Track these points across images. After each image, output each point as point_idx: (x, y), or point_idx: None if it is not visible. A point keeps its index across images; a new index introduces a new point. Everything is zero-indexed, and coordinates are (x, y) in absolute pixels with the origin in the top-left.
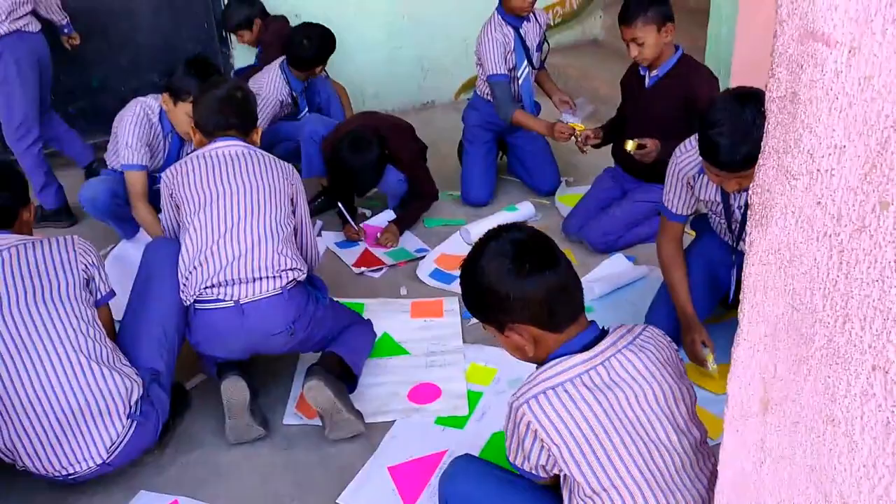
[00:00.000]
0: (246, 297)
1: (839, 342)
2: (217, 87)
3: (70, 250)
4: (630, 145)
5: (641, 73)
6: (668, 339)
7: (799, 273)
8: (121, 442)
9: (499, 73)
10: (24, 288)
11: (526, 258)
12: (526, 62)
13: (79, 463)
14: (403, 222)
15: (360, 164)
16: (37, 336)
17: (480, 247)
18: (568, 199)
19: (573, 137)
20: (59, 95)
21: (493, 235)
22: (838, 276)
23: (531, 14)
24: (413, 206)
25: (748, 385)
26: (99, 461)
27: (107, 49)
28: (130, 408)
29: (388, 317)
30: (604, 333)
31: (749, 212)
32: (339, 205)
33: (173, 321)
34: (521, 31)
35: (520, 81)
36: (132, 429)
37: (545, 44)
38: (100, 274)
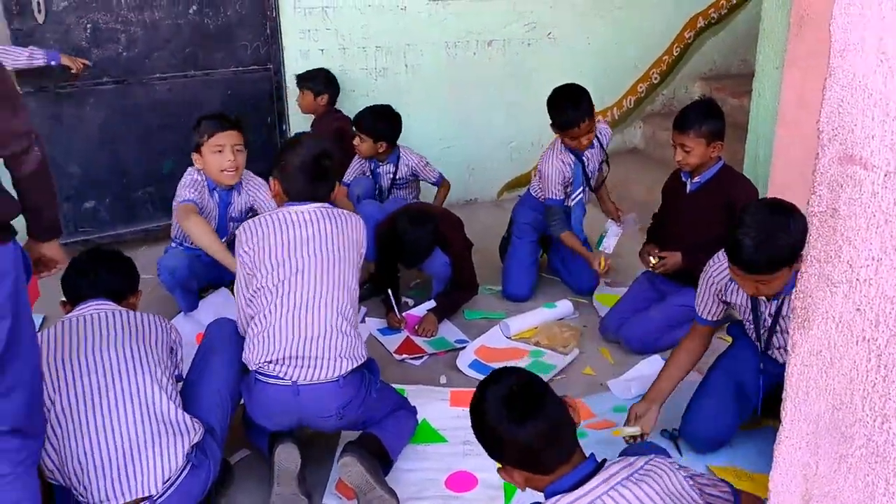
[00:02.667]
0: (304, 379)
1: (878, 441)
2: (303, 148)
3: (163, 322)
4: (652, 261)
5: (683, 178)
6: (677, 467)
7: (839, 374)
8: (175, 479)
9: (555, 198)
10: (118, 331)
11: (514, 406)
12: (583, 188)
13: (134, 491)
14: (443, 311)
15: (414, 235)
16: (117, 371)
17: (483, 386)
18: (606, 298)
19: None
20: (131, 179)
21: (493, 378)
22: (877, 378)
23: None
24: (454, 296)
25: (790, 482)
26: (154, 491)
27: (179, 139)
28: (191, 447)
29: (427, 404)
30: (599, 467)
31: (792, 315)
32: (389, 291)
33: (230, 392)
34: (584, 158)
35: (572, 203)
36: (187, 469)
37: (605, 164)
38: (181, 352)
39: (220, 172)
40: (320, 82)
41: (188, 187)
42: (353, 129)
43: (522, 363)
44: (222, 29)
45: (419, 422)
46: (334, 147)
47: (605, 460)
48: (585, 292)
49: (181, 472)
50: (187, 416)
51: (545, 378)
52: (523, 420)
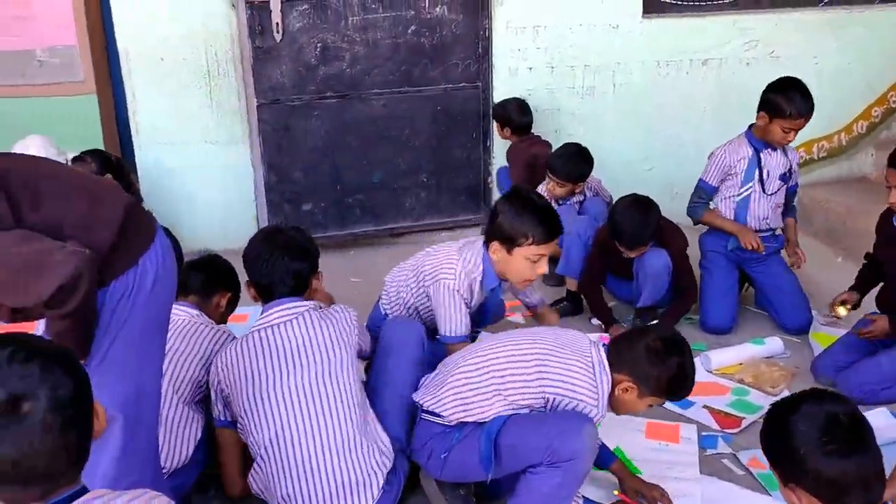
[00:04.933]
0: None
1: None
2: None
3: (351, 322)
4: (841, 312)
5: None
6: None
7: None
8: None
9: (709, 182)
10: (314, 360)
11: (838, 435)
12: (755, 184)
13: None
14: (668, 320)
15: (638, 214)
16: (322, 407)
17: (797, 401)
18: (823, 338)
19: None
20: (344, 186)
21: (811, 395)
22: None
23: (781, 146)
24: (676, 307)
25: None
26: None
27: (389, 150)
28: (383, 482)
29: (622, 433)
30: None
31: None
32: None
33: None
34: (762, 155)
35: (737, 199)
36: (378, 498)
37: (794, 185)
38: (362, 338)
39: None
40: (501, 115)
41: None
42: (548, 173)
43: (724, 400)
44: (437, 48)
45: (613, 448)
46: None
47: None
48: (797, 331)
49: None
50: (380, 452)
51: (748, 419)
52: (848, 454)
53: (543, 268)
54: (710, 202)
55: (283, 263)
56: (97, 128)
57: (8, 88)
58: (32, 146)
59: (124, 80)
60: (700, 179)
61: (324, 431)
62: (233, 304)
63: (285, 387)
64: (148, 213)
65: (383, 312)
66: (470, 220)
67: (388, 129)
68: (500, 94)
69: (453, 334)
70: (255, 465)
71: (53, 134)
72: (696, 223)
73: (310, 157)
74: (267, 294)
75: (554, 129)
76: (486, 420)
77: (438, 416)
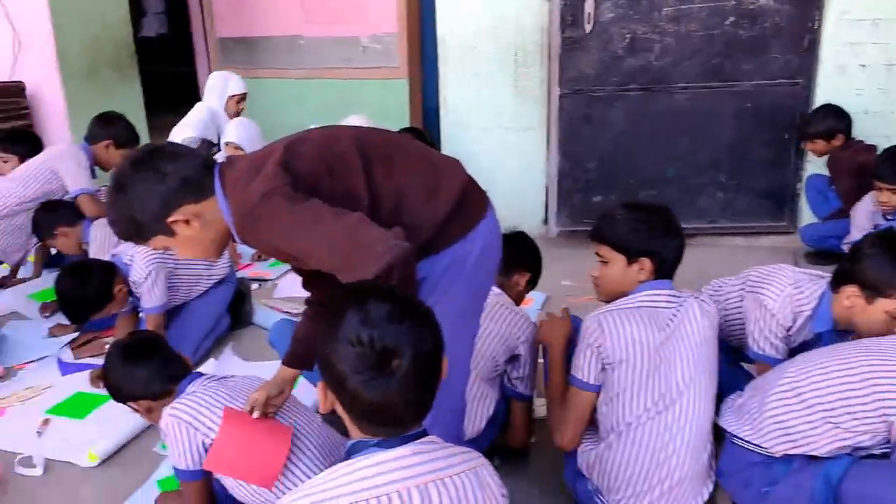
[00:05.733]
0: None
1: None
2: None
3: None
4: None
5: None
6: None
7: None
8: None
9: None
10: (699, 349)
11: None
12: None
13: None
14: None
15: None
16: (697, 396)
17: None
18: None
19: None
20: (637, 180)
21: None
22: None
23: None
24: None
25: None
26: None
27: (688, 146)
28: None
29: None
30: None
31: None
32: None
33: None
34: None
35: None
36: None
37: None
38: None
39: None
40: (819, 124)
41: None
42: (877, 181)
43: None
44: (755, 40)
45: None
46: None
47: None
48: None
49: None
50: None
51: None
52: None
53: None
54: None
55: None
56: (405, 110)
57: (335, 71)
58: (355, 124)
59: (439, 65)
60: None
61: (694, 422)
62: (531, 284)
63: (677, 370)
64: (482, 190)
65: None
66: (770, 228)
67: (690, 124)
68: (823, 92)
69: (760, 353)
70: (603, 444)
71: (367, 114)
72: None
73: (605, 148)
74: (661, 272)
75: (885, 135)
76: (820, 454)
77: (758, 445)
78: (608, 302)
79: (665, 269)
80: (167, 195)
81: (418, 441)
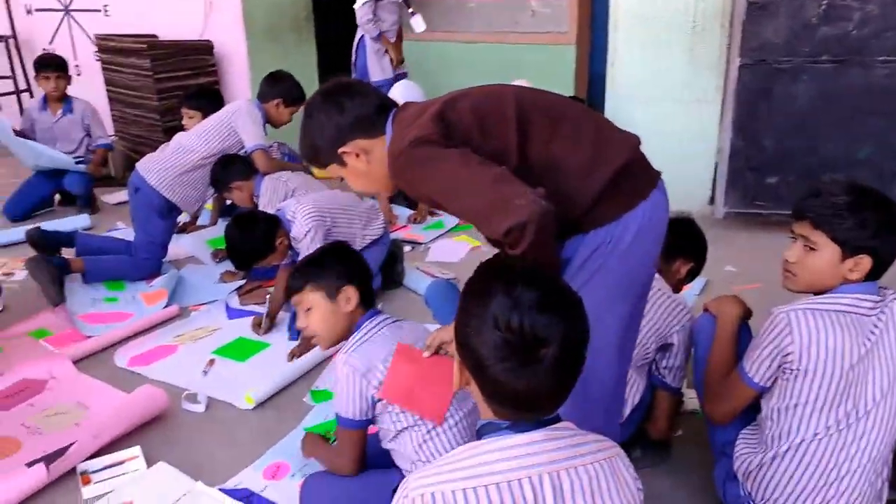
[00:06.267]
0: None
1: None
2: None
3: None
4: None
5: None
6: None
7: None
8: None
9: None
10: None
11: None
12: None
13: None
14: None
15: None
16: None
17: None
18: None
19: None
20: (820, 160)
21: None
22: None
23: None
24: None
25: None
26: None
27: (885, 126)
28: None
29: None
30: None
31: None
32: None
33: None
34: None
35: None
36: None
37: None
38: None
39: None
40: None
41: None
42: None
43: None
44: None
45: None
46: None
47: None
48: None
49: None
50: None
51: None
52: None
53: None
54: None
55: None
56: (570, 76)
57: (502, 35)
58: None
59: (609, 32)
60: None
61: (877, 442)
62: (692, 274)
63: (873, 385)
64: (650, 171)
65: None
66: None
67: (888, 102)
68: None
69: None
70: (769, 454)
71: (531, 80)
72: None
73: (786, 125)
74: (874, 273)
75: None
76: None
77: None
78: (799, 293)
79: (879, 271)
80: (341, 128)
81: (551, 427)
